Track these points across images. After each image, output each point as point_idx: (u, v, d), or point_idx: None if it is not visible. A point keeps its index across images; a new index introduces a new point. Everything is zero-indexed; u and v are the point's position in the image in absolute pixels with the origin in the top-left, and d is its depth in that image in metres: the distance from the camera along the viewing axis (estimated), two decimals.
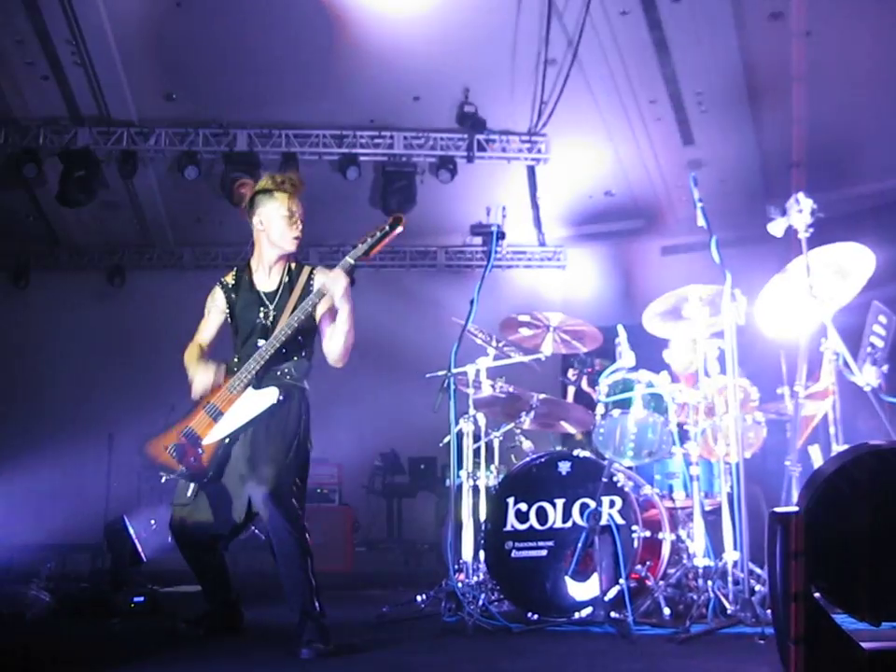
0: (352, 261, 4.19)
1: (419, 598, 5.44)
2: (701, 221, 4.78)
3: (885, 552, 1.91)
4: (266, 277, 4.38)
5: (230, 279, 4.46)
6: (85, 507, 9.93)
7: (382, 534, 12.22)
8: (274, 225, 4.30)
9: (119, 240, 12.85)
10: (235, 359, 4.31)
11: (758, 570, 4.59)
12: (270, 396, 4.16)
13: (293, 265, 4.40)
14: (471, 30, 9.30)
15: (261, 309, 4.30)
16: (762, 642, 3.91)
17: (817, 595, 1.94)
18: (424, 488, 11.73)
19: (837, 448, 4.53)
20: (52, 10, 9.00)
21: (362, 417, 11.89)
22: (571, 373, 6.60)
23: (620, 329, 5.50)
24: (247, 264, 4.45)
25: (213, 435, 4.16)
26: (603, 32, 9.36)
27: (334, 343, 4.22)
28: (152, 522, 10.11)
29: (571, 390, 6.87)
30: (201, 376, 4.23)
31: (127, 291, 12.96)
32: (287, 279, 4.35)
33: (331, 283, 4.12)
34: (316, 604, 4.03)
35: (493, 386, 5.70)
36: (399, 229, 4.27)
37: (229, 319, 4.42)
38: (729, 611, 4.34)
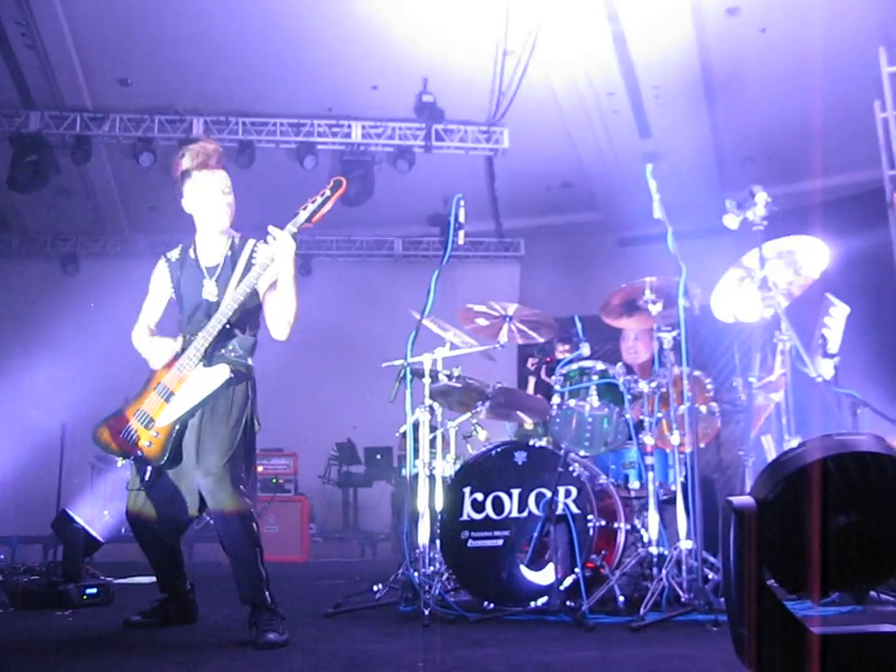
0: (294, 229, 4.11)
1: (375, 588, 5.43)
2: (658, 213, 4.82)
3: (839, 545, 1.94)
4: (209, 252, 4.30)
5: (174, 254, 4.39)
6: (37, 497, 9.83)
7: (338, 524, 12.24)
8: (201, 206, 4.26)
9: (72, 227, 12.69)
10: (180, 338, 4.25)
11: (711, 559, 4.64)
12: (221, 373, 4.09)
13: (237, 239, 4.32)
14: (431, 20, 9.28)
15: (205, 284, 4.23)
16: (715, 629, 3.97)
17: (769, 582, 1.97)
18: (380, 478, 11.75)
19: (789, 438, 4.60)
20: None
21: (318, 407, 11.90)
22: (531, 363, 6.61)
23: (576, 320, 5.53)
24: (193, 239, 4.37)
25: (166, 416, 4.09)
26: (562, 23, 9.37)
27: (278, 310, 4.15)
28: (105, 513, 10.03)
29: (532, 380, 6.88)
30: (157, 346, 4.18)
31: (80, 279, 12.82)
32: (229, 253, 4.27)
33: (278, 245, 4.04)
34: (267, 594, 4.01)
35: (449, 376, 5.70)
36: (340, 192, 4.20)
37: (173, 296, 4.36)
38: (683, 599, 4.39)
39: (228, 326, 4.12)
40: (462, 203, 5.19)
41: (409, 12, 9.16)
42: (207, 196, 4.23)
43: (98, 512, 9.87)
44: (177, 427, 4.09)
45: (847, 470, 1.95)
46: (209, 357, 4.12)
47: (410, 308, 5.85)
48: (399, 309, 6.40)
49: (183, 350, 4.14)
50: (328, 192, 4.18)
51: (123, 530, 9.57)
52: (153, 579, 4.49)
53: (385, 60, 9.76)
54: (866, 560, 2.03)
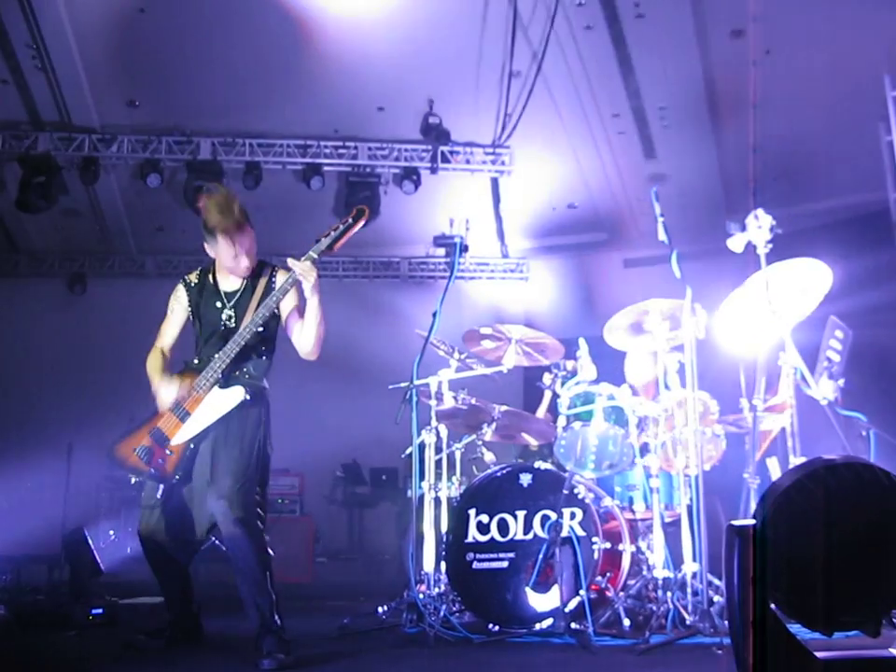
0: (315, 256, 4.18)
1: (380, 609, 5.43)
2: (662, 236, 4.84)
3: (839, 564, 1.95)
4: (228, 277, 4.38)
5: (193, 278, 4.46)
6: (42, 517, 9.82)
7: (343, 545, 12.20)
8: (224, 261, 4.30)
9: (79, 247, 12.74)
10: (196, 360, 4.31)
11: (717, 581, 4.63)
12: (237, 394, 4.16)
13: (255, 265, 4.40)
14: (436, 41, 9.35)
15: (223, 309, 4.31)
16: (720, 652, 3.95)
17: (773, 606, 1.98)
18: (385, 499, 11.73)
19: (795, 461, 4.59)
20: (12, 14, 8.91)
21: (324, 428, 11.87)
22: (548, 378, 6.59)
23: (581, 342, 5.55)
24: (212, 264, 4.45)
25: (181, 435, 4.15)
26: (567, 46, 9.44)
27: (306, 335, 4.22)
28: (111, 533, 10.03)
29: (547, 395, 6.86)
30: (165, 390, 4.21)
31: (88, 299, 12.85)
32: (248, 279, 4.36)
33: (303, 274, 4.10)
34: (276, 617, 4.02)
35: (455, 398, 5.71)
36: (362, 221, 4.26)
37: (191, 318, 4.41)
38: (688, 622, 4.38)
39: (244, 349, 4.17)
40: (469, 225, 5.22)
41: (415, 34, 9.22)
42: (231, 257, 4.27)
43: (104, 532, 9.88)
44: (191, 446, 4.15)
45: (825, 482, 1.98)
46: (225, 379, 4.16)
47: (415, 329, 5.87)
48: (405, 330, 6.42)
49: (199, 371, 4.18)
50: (349, 221, 4.25)
51: (129, 550, 9.60)
52: (159, 599, 4.50)
53: (391, 81, 9.82)
54: (865, 577, 2.04)
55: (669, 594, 4.55)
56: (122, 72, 9.74)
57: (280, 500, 10.28)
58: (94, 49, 9.44)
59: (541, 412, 6.94)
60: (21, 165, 10.38)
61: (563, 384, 6.30)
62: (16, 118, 10.36)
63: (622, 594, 4.82)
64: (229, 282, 4.38)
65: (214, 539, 4.22)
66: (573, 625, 4.54)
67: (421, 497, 5.45)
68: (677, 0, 8.86)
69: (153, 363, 4.36)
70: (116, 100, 10.22)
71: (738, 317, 5.17)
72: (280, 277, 4.29)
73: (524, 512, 5.00)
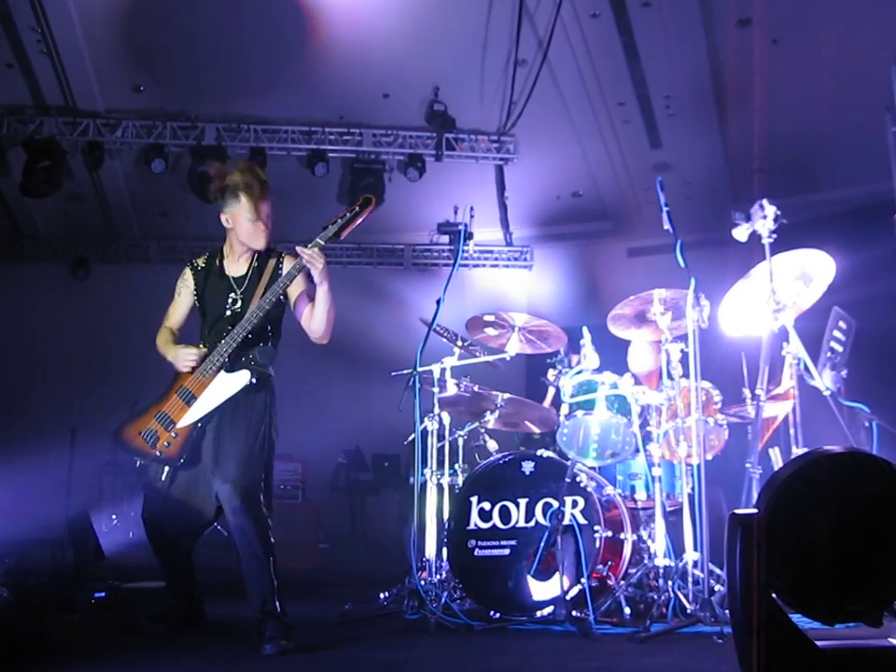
0: (322, 243, 4.19)
1: (382, 596, 5.44)
2: (666, 225, 4.83)
3: (840, 554, 1.95)
4: (236, 263, 4.40)
5: (201, 262, 4.49)
6: (46, 501, 9.85)
7: (345, 531, 12.22)
8: (241, 226, 4.32)
9: (83, 232, 12.72)
10: (200, 345, 4.32)
11: (717, 571, 4.64)
12: (242, 378, 4.18)
13: (262, 251, 4.42)
14: (442, 29, 9.32)
15: (230, 294, 4.32)
16: (720, 641, 3.97)
17: (774, 595, 1.98)
18: (387, 486, 11.75)
19: (797, 451, 4.60)
20: None
21: (327, 414, 11.89)
22: (552, 374, 6.59)
23: (585, 331, 5.54)
24: (220, 249, 4.46)
25: (186, 419, 4.16)
26: (573, 34, 9.40)
27: (317, 320, 4.24)
28: (114, 517, 10.06)
29: (552, 391, 6.85)
30: (185, 351, 4.24)
31: (91, 284, 12.83)
32: (255, 264, 4.38)
33: (311, 262, 4.11)
34: (277, 603, 4.04)
35: (458, 385, 5.71)
36: (370, 209, 4.26)
37: (197, 302, 4.42)
38: (689, 611, 4.39)
39: (250, 335, 4.17)
40: (473, 212, 5.22)
41: (421, 21, 9.19)
42: (250, 221, 4.29)
43: (107, 517, 9.90)
44: (196, 429, 4.15)
45: (827, 472, 1.98)
46: (231, 363, 4.17)
47: (419, 316, 5.88)
48: (409, 317, 6.42)
49: (206, 356, 4.19)
50: (356, 209, 4.26)
51: (132, 534, 9.62)
52: (162, 583, 4.51)
53: (396, 68, 9.79)
54: (866, 567, 2.04)
55: (670, 582, 4.56)
56: (127, 56, 9.72)
57: (282, 486, 10.29)
58: (100, 34, 9.40)
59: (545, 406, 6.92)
60: (26, 149, 10.34)
61: None
62: (20, 101, 10.33)
63: (622, 582, 4.83)
64: (236, 267, 4.39)
65: (217, 524, 4.23)
66: (574, 613, 4.55)
67: (423, 485, 5.47)
68: None
69: (164, 338, 4.39)
70: (121, 84, 10.19)
71: (742, 307, 5.17)
72: (287, 263, 4.31)
73: (526, 500, 5.01)
